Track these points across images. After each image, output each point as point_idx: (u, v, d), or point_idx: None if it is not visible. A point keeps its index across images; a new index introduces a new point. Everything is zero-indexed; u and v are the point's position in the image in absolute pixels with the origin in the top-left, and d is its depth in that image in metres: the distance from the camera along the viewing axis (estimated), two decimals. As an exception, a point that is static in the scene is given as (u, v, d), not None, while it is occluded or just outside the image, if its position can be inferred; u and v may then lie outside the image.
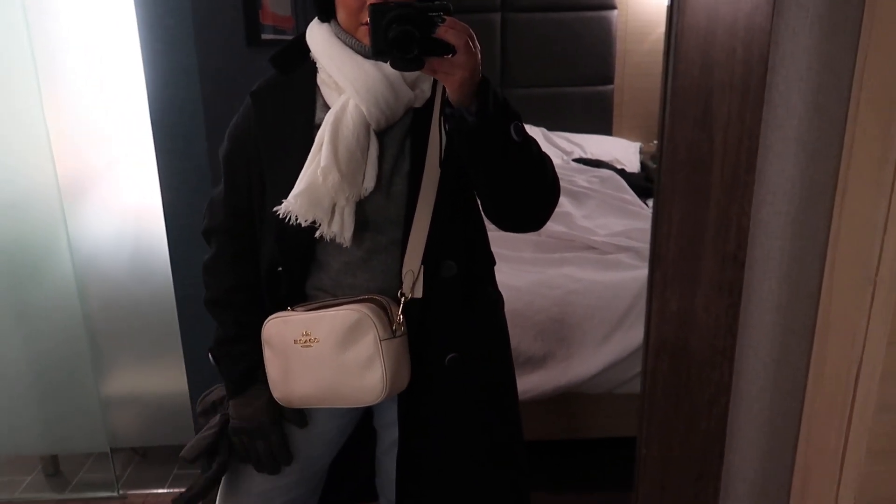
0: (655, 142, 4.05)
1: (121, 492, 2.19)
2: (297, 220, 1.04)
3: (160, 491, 2.20)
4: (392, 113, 1.05)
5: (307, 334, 1.06)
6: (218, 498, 1.25)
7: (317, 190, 1.02)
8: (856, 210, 0.99)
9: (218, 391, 1.25)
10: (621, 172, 3.44)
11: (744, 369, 1.10)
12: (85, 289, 2.02)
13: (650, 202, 3.12)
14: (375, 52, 0.90)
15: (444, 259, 1.10)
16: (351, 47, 1.06)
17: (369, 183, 1.05)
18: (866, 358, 0.96)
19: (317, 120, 1.08)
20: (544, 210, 1.09)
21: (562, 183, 1.09)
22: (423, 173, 1.06)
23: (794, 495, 1.14)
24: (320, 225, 1.05)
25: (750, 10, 0.94)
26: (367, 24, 0.91)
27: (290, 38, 1.16)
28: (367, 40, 0.96)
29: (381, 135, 1.07)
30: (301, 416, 1.17)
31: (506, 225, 1.11)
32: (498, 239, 1.53)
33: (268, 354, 1.12)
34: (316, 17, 1.12)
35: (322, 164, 1.01)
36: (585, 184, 3.18)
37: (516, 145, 0.97)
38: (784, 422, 1.12)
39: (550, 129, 3.96)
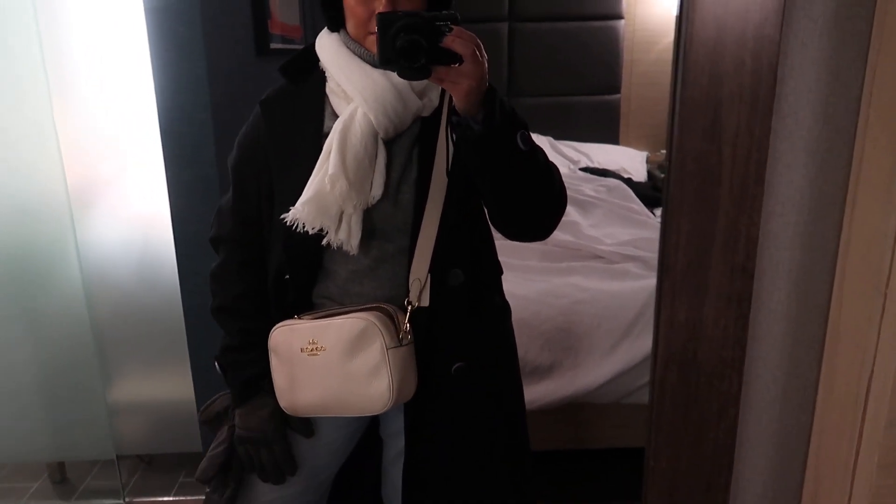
0: (662, 151, 4.06)
1: (126, 499, 2.19)
2: (304, 227, 1.04)
3: (166, 499, 2.19)
4: (400, 121, 1.06)
5: (314, 342, 1.06)
6: (224, 507, 1.25)
7: (324, 198, 1.02)
8: (866, 221, 0.98)
9: (221, 400, 1.25)
10: (628, 182, 3.44)
11: (753, 381, 1.09)
12: (93, 296, 2.03)
13: (657, 211, 3.13)
14: (383, 61, 0.90)
15: (451, 267, 1.10)
16: (360, 56, 1.06)
17: (377, 191, 1.05)
18: (877, 370, 0.95)
19: (325, 129, 1.08)
20: (551, 219, 1.09)
21: (569, 192, 1.09)
22: (430, 182, 1.07)
23: (803, 509, 1.13)
24: (327, 233, 1.05)
25: (759, 21, 0.94)
26: (375, 33, 0.92)
27: (298, 47, 1.17)
28: (375, 49, 0.96)
29: (390, 143, 1.07)
30: (307, 425, 1.17)
31: (512, 234, 1.11)
32: (505, 248, 1.53)
33: (274, 362, 1.12)
34: (325, 27, 1.12)
35: (330, 171, 1.01)
36: (592, 193, 3.18)
37: (523, 154, 0.97)
38: (794, 434, 1.11)
39: (557, 138, 3.96)
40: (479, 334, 1.17)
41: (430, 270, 1.08)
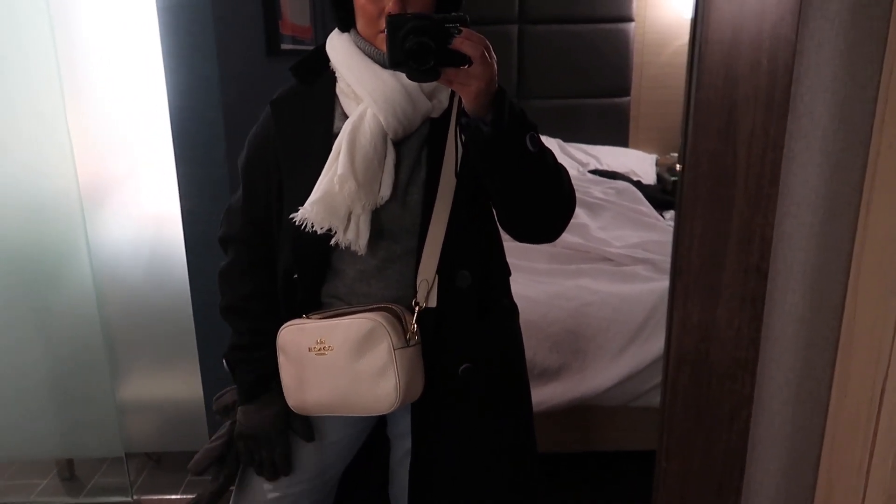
0: (672, 154, 4.05)
1: (135, 497, 2.20)
2: (312, 227, 1.04)
3: (174, 497, 2.20)
4: (409, 123, 1.06)
5: (321, 342, 1.07)
6: (231, 504, 1.25)
7: (333, 198, 1.03)
8: (880, 222, 0.98)
9: (231, 393, 1.26)
10: (637, 184, 3.43)
11: (766, 382, 1.09)
12: (103, 294, 2.04)
13: (667, 214, 3.13)
14: (392, 62, 0.91)
15: (458, 269, 1.09)
16: (370, 56, 1.07)
17: (385, 192, 1.05)
18: (892, 372, 0.95)
19: (335, 129, 1.08)
20: (560, 221, 1.09)
21: (578, 194, 1.09)
22: (439, 183, 1.07)
23: (816, 512, 1.13)
24: (336, 233, 1.05)
25: (775, 22, 0.94)
26: (384, 31, 0.92)
27: (308, 47, 1.17)
28: (385, 48, 0.96)
29: (399, 144, 1.07)
30: (308, 430, 1.17)
31: (521, 235, 1.11)
32: (513, 249, 1.52)
33: (282, 362, 1.13)
34: (336, 28, 1.13)
35: (339, 172, 1.02)
36: (601, 195, 3.17)
37: (532, 156, 0.97)
38: (807, 436, 1.11)
39: (567, 140, 3.96)
40: (487, 336, 1.16)
41: (438, 271, 1.08)
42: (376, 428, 1.27)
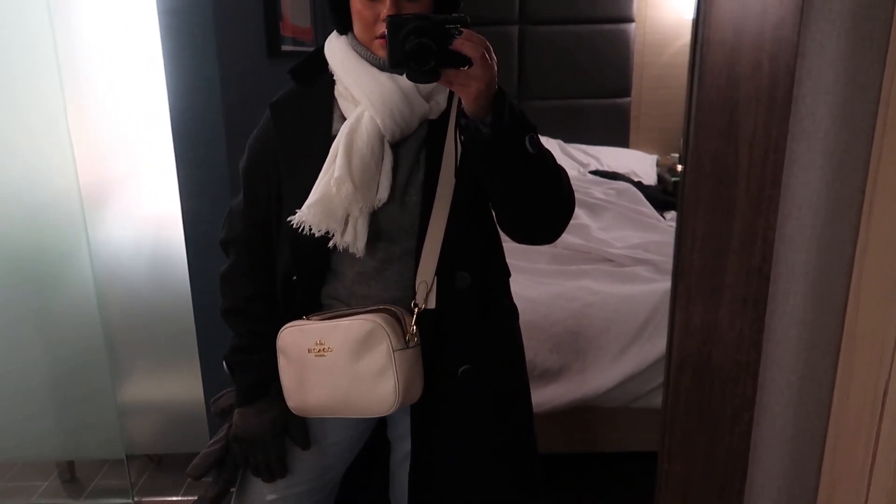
0: (672, 154, 4.05)
1: (136, 499, 2.20)
2: (310, 229, 1.04)
3: (174, 498, 2.20)
4: (407, 125, 1.06)
5: (321, 343, 1.07)
6: (231, 506, 1.25)
7: (330, 200, 1.03)
8: (883, 224, 0.98)
9: (228, 396, 1.26)
10: (638, 185, 3.43)
11: (768, 385, 1.09)
12: (104, 296, 2.04)
13: (667, 215, 3.13)
14: (392, 63, 0.91)
15: (458, 270, 1.10)
16: (367, 60, 1.07)
17: (383, 194, 1.06)
18: (894, 373, 0.95)
19: (334, 131, 1.09)
20: (559, 222, 1.09)
21: (578, 195, 1.09)
22: (437, 184, 1.07)
23: (818, 514, 1.12)
24: (334, 235, 1.05)
25: (777, 23, 0.93)
26: (381, 36, 0.92)
27: (309, 49, 1.17)
28: (382, 53, 0.96)
29: (396, 146, 1.07)
30: (305, 436, 1.18)
31: (520, 236, 1.11)
32: (514, 250, 1.53)
33: (282, 363, 1.13)
34: (334, 31, 1.13)
35: (336, 174, 1.02)
36: (602, 196, 3.17)
37: (531, 157, 0.97)
38: (809, 438, 1.11)
39: (567, 140, 3.96)
40: (487, 337, 1.16)
41: (437, 273, 1.08)
42: (377, 430, 1.27)
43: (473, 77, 0.90)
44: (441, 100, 1.08)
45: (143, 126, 1.91)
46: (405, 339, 1.05)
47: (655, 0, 3.99)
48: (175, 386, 2.16)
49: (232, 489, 1.25)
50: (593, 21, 3.92)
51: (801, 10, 0.94)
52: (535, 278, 2.33)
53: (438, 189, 1.07)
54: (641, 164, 3.85)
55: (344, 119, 1.08)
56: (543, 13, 3.93)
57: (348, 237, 1.06)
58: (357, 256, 1.08)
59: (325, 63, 1.12)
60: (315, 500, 1.24)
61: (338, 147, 1.04)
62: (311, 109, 1.12)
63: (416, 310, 1.07)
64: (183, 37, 1.77)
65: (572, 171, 3.59)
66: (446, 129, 1.07)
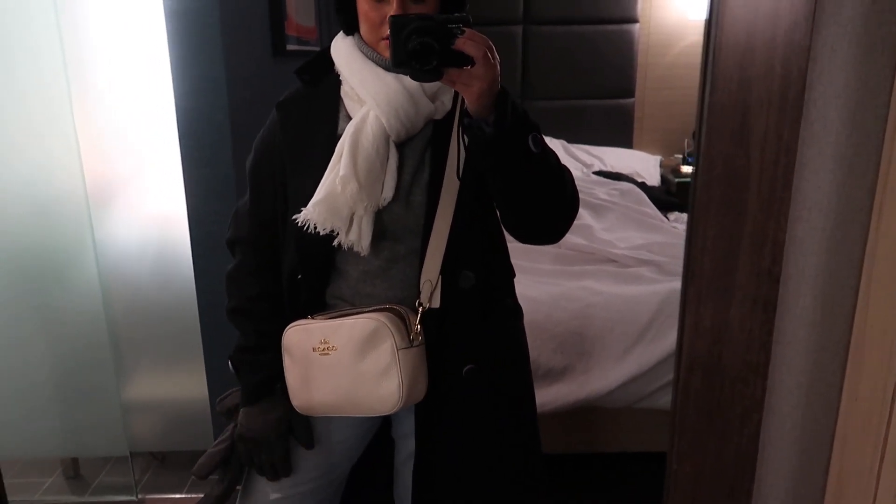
0: (676, 155, 4.06)
1: (139, 496, 2.20)
2: (315, 228, 1.05)
3: (178, 496, 2.20)
4: (412, 125, 1.06)
5: (325, 342, 1.07)
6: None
7: (335, 199, 1.03)
8: (892, 227, 0.98)
9: (234, 395, 1.26)
10: (641, 186, 3.44)
11: (777, 386, 1.09)
12: (109, 294, 2.04)
13: (671, 216, 3.13)
14: (395, 63, 0.91)
15: (462, 269, 1.10)
16: (373, 60, 1.07)
17: (388, 193, 1.06)
18: (903, 377, 0.95)
19: (339, 131, 1.09)
20: (563, 222, 1.09)
21: (582, 195, 1.09)
22: (442, 184, 1.07)
23: (825, 515, 1.13)
24: (339, 234, 1.06)
25: (789, 27, 0.94)
26: (388, 38, 0.93)
27: (314, 48, 1.18)
28: (387, 53, 0.97)
29: (402, 146, 1.08)
30: (309, 436, 1.18)
31: (524, 236, 1.11)
32: (518, 250, 1.53)
33: (287, 362, 1.13)
34: (341, 31, 1.13)
35: (341, 173, 1.02)
36: (605, 196, 3.18)
37: (534, 157, 0.97)
38: (817, 439, 1.11)
39: (570, 141, 3.97)
40: (491, 336, 1.17)
41: (442, 272, 1.08)
42: (381, 429, 1.27)
43: (476, 76, 0.90)
44: (446, 100, 1.09)
45: (148, 126, 1.92)
46: (409, 338, 1.05)
47: (659, 0, 3.99)
48: (179, 384, 2.17)
49: (237, 488, 1.25)
50: (597, 21, 3.92)
51: (812, 15, 0.94)
52: (538, 278, 2.34)
53: (443, 189, 1.07)
54: (645, 164, 3.85)
55: (349, 119, 1.09)
56: (547, 13, 3.93)
57: (353, 236, 1.06)
58: (362, 255, 1.09)
59: (332, 63, 1.12)
60: (320, 498, 1.25)
61: (343, 146, 1.04)
62: (317, 109, 1.13)
63: (420, 309, 1.08)
64: (189, 37, 1.78)
65: (576, 171, 3.58)
66: (451, 130, 1.08)
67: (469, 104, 0.94)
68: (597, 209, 3.03)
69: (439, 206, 1.07)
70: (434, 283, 1.08)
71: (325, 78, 1.14)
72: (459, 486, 1.19)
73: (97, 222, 1.98)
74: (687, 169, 3.88)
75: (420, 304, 1.08)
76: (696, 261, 1.01)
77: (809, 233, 1.02)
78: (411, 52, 0.88)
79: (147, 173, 1.97)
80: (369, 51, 1.07)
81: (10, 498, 2.25)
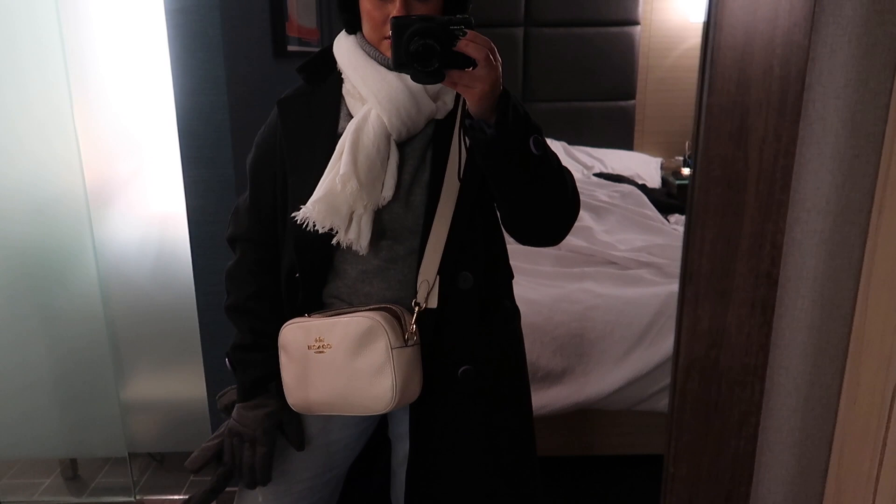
0: (677, 157, 4.05)
1: (138, 497, 2.20)
2: (314, 226, 1.04)
3: (177, 497, 2.20)
4: (413, 124, 1.06)
5: (320, 340, 1.07)
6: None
7: (335, 197, 1.03)
8: (891, 229, 0.98)
9: (232, 392, 1.26)
10: (642, 188, 3.44)
11: (775, 389, 1.09)
12: (108, 294, 2.04)
13: (671, 218, 3.12)
14: (397, 64, 0.91)
15: (460, 270, 1.09)
16: (375, 59, 1.07)
17: (388, 192, 1.06)
18: (902, 380, 0.94)
19: (340, 129, 1.09)
20: (563, 224, 1.09)
21: (582, 197, 1.09)
22: (442, 184, 1.07)
23: (823, 519, 1.12)
24: (338, 232, 1.06)
25: (788, 28, 0.93)
26: (390, 37, 0.92)
27: (314, 49, 1.18)
28: (390, 53, 0.96)
29: (403, 145, 1.08)
30: (300, 437, 1.17)
31: (524, 238, 1.11)
32: (518, 252, 1.53)
33: (284, 360, 1.13)
34: (343, 30, 1.13)
35: (341, 171, 1.02)
36: (606, 198, 3.17)
37: (535, 158, 0.97)
38: (815, 443, 1.10)
39: (571, 143, 3.97)
40: (487, 338, 1.16)
41: (440, 273, 1.08)
42: (379, 429, 1.27)
43: (478, 78, 0.90)
44: (448, 100, 1.08)
45: (149, 125, 1.92)
46: (404, 337, 1.05)
47: (661, 3, 3.98)
48: (178, 384, 2.16)
49: (228, 486, 1.24)
50: (598, 23, 3.92)
51: (811, 15, 0.94)
52: (538, 280, 2.33)
53: (443, 189, 1.07)
54: (646, 166, 3.85)
55: (351, 117, 1.08)
56: (549, 15, 3.93)
57: (352, 234, 1.06)
58: (360, 254, 1.08)
59: (334, 61, 1.12)
60: (316, 498, 1.24)
61: (344, 144, 1.04)
62: (319, 107, 1.12)
63: (416, 309, 1.07)
64: (190, 36, 1.77)
65: (576, 173, 3.59)
66: (453, 130, 1.08)
67: (470, 106, 0.94)
68: (597, 211, 3.03)
69: (439, 207, 1.07)
70: (431, 284, 1.08)
71: (326, 76, 1.14)
72: (454, 488, 1.18)
73: (97, 221, 1.98)
74: (688, 171, 3.88)
75: (416, 304, 1.08)
76: (693, 263, 1.00)
77: (808, 235, 1.02)
78: (413, 53, 0.88)
79: (147, 173, 1.97)
80: (372, 50, 1.07)
81: (8, 498, 2.25)
